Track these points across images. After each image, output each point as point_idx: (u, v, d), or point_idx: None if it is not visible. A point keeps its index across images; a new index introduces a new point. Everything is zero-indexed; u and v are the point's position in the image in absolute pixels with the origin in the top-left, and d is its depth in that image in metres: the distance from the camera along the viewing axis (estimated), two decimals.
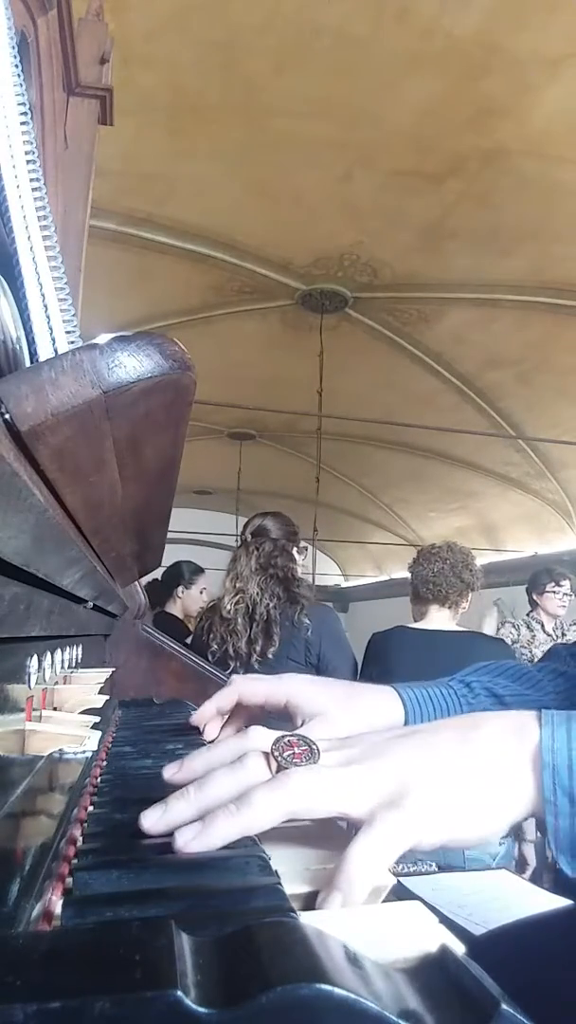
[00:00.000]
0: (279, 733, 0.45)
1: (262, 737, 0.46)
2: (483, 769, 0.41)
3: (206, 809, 0.40)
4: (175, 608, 3.17)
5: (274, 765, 0.42)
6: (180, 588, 3.17)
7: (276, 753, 0.42)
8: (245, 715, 0.68)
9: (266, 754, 0.43)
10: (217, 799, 0.40)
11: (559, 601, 3.33)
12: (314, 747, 0.43)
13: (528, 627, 3.36)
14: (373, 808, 0.39)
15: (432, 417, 5.67)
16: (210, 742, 0.71)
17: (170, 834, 0.39)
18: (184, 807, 0.40)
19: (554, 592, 3.33)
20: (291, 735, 0.44)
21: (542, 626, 3.34)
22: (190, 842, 0.37)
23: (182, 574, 3.20)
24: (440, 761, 0.42)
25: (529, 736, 0.42)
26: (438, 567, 2.22)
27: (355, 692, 0.68)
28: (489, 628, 4.06)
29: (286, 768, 0.41)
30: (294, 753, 0.42)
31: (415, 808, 0.39)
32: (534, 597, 3.42)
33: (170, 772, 0.46)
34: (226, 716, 0.69)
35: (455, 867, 1.92)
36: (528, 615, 3.43)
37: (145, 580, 3.17)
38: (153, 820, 0.39)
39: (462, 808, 0.40)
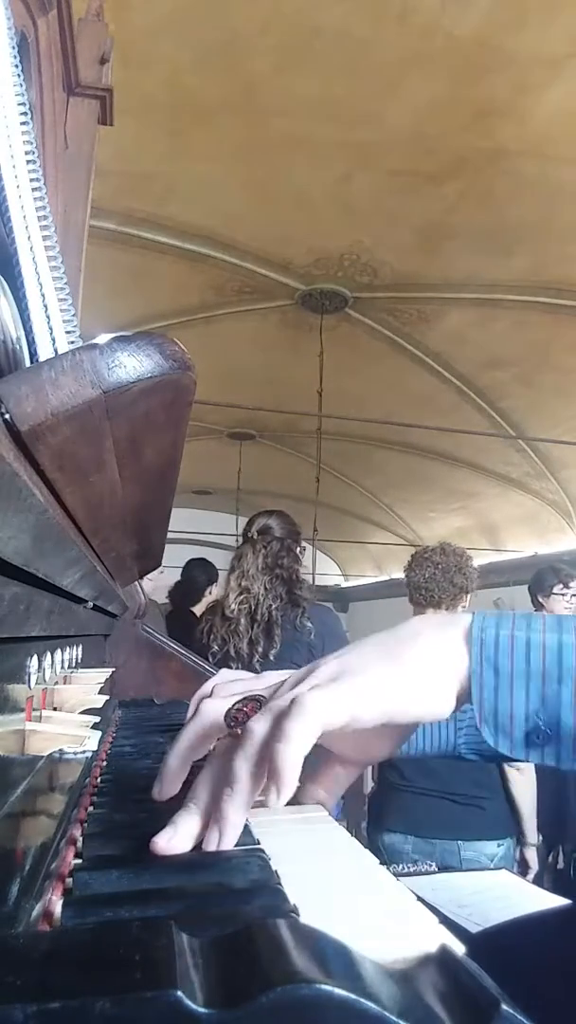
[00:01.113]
0: (229, 701, 0.46)
1: (214, 708, 0.48)
2: (419, 649, 0.44)
3: (208, 812, 0.41)
4: (200, 607, 3.21)
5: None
6: (214, 586, 3.26)
7: (231, 724, 0.45)
8: None
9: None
10: (213, 797, 0.42)
11: (567, 603, 3.13)
12: (261, 699, 0.45)
13: None
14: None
15: (432, 417, 5.67)
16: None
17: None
18: (193, 822, 0.41)
19: (562, 594, 3.13)
20: (239, 702, 0.46)
21: None
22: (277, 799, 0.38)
23: (199, 577, 3.26)
24: (376, 646, 0.45)
25: (461, 622, 0.45)
26: (429, 572, 2.21)
27: None
28: None
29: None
30: (246, 714, 0.44)
31: (350, 679, 0.41)
32: (539, 599, 3.22)
33: (156, 791, 0.47)
34: None
35: (452, 867, 1.92)
36: None
37: (155, 584, 3.22)
38: (165, 842, 0.40)
39: (399, 679, 0.42)
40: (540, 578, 3.25)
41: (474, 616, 0.44)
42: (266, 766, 0.39)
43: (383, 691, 0.42)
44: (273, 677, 0.64)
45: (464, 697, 0.43)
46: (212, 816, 0.41)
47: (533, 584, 3.29)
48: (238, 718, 0.44)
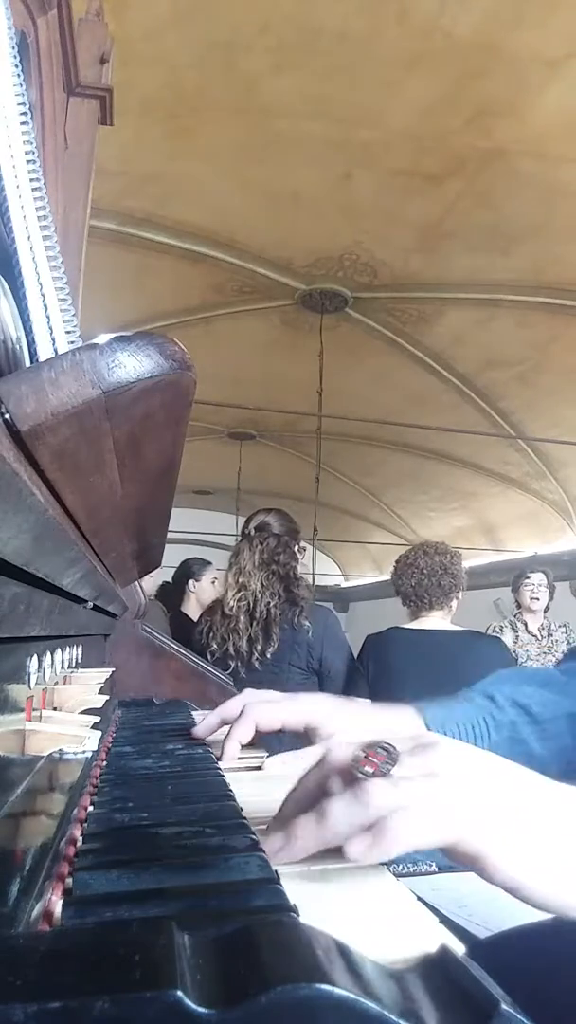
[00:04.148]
0: (356, 745, 0.43)
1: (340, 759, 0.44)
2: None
3: (328, 843, 0.40)
4: (189, 606, 3.18)
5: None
6: (191, 583, 3.19)
7: (355, 769, 0.42)
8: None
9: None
10: (336, 836, 0.39)
11: (530, 593, 3.39)
12: (393, 753, 0.42)
13: (512, 628, 3.43)
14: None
15: (432, 417, 5.67)
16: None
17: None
18: (310, 843, 0.40)
19: (524, 585, 3.42)
20: (369, 746, 0.42)
21: (526, 626, 3.40)
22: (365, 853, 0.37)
23: (190, 569, 3.23)
24: (538, 800, 0.40)
25: None
26: (416, 579, 2.19)
27: (373, 712, 0.68)
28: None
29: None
30: (373, 765, 0.41)
31: (496, 825, 0.37)
32: (515, 597, 3.51)
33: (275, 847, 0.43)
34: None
35: (455, 868, 1.91)
36: (515, 616, 3.50)
37: (155, 583, 3.19)
38: (274, 851, 0.39)
39: (549, 858, 0.37)
40: (514, 579, 3.55)
41: None
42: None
43: (524, 856, 0.37)
44: (311, 707, 0.64)
45: None
46: (289, 833, 0.39)
47: (511, 586, 3.55)
48: (363, 765, 0.41)
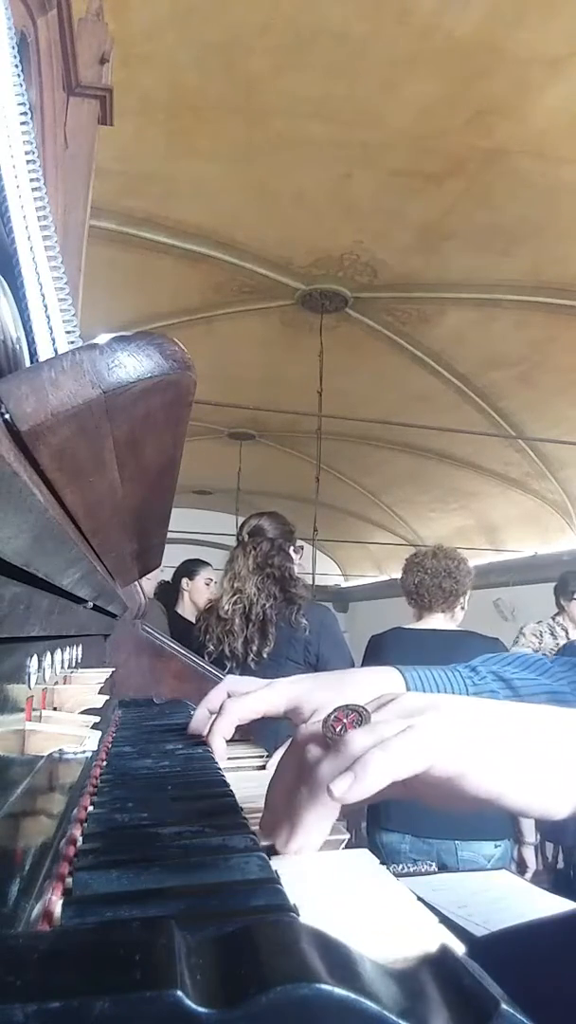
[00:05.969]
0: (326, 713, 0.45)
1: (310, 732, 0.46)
2: (561, 746, 0.41)
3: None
4: (183, 605, 3.18)
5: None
6: (184, 580, 3.20)
7: (328, 734, 0.43)
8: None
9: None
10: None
11: None
12: (361, 711, 0.43)
13: (552, 634, 3.21)
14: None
15: (432, 417, 5.67)
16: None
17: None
18: (312, 817, 0.41)
19: None
20: (337, 710, 0.44)
21: (567, 633, 3.20)
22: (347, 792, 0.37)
23: (186, 568, 3.23)
24: (511, 716, 0.42)
25: None
26: (419, 578, 2.23)
27: (349, 674, 0.68)
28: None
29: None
30: (344, 725, 0.43)
31: (478, 732, 0.39)
32: (562, 603, 3.25)
33: (273, 838, 0.44)
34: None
35: (450, 867, 1.92)
36: (554, 619, 3.27)
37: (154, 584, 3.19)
38: (284, 843, 0.40)
39: (524, 765, 0.39)
40: (564, 581, 3.26)
41: None
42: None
43: (502, 767, 0.38)
44: (287, 689, 0.64)
45: None
46: (289, 819, 0.40)
47: (558, 586, 3.28)
48: (335, 727, 0.43)
